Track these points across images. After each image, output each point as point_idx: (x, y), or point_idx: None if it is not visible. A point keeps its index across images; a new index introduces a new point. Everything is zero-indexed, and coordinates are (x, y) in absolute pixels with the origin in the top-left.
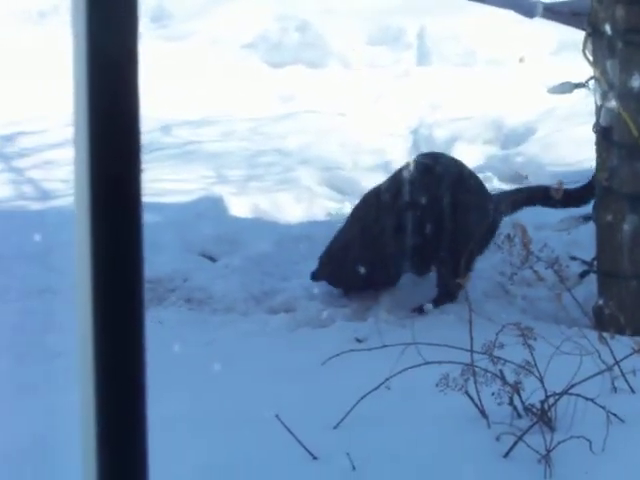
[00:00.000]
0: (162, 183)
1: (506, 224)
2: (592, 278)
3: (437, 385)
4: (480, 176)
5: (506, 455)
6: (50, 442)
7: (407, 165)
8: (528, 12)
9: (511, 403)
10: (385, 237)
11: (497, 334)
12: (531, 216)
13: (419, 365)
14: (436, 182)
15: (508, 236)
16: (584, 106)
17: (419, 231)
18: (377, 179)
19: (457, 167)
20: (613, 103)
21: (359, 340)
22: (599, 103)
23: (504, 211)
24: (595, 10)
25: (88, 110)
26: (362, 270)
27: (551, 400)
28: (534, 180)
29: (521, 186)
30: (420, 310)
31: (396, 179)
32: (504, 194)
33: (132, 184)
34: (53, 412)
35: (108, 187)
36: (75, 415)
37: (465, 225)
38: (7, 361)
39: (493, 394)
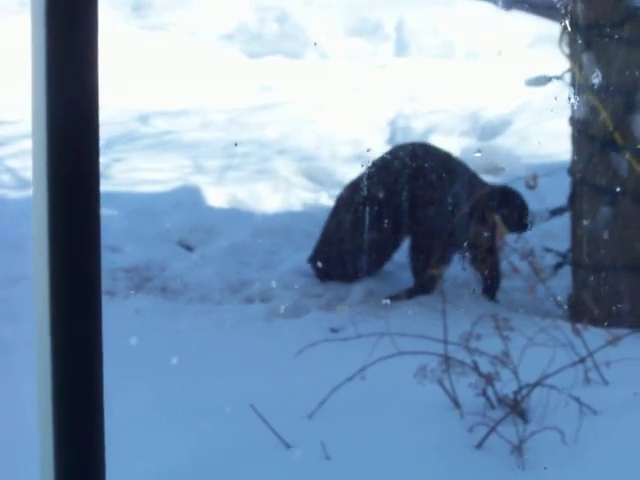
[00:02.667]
0: (139, 173)
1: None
2: (567, 270)
3: (414, 376)
4: None
5: (479, 445)
6: (7, 434)
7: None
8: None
9: (484, 394)
10: (346, 232)
11: (473, 325)
12: None
13: (393, 355)
14: (397, 176)
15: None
16: (560, 99)
17: (378, 226)
18: (354, 170)
19: (435, 159)
20: (589, 96)
21: (334, 330)
22: (575, 96)
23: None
24: (572, 3)
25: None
26: (340, 261)
27: (524, 391)
28: (510, 172)
29: (497, 179)
30: (395, 299)
31: (362, 175)
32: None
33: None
34: (10, 403)
35: (65, 184)
36: (31, 408)
37: (435, 220)
38: None
39: (467, 385)
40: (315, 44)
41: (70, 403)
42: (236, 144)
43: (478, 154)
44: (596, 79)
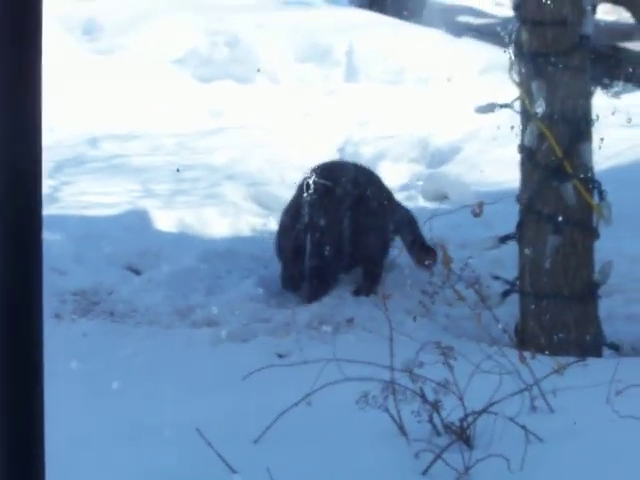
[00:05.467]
0: (88, 196)
1: (428, 242)
2: (514, 297)
3: (357, 402)
4: (404, 194)
5: (425, 472)
6: None
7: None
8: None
9: (430, 421)
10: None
11: (417, 352)
12: (454, 234)
13: (339, 381)
14: (335, 203)
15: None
16: (509, 127)
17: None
18: None
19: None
20: (537, 124)
21: (281, 355)
22: (524, 124)
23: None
24: (520, 32)
25: None
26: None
27: (470, 418)
28: (458, 200)
29: (444, 206)
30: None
31: (296, 200)
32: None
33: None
34: None
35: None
36: None
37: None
38: None
39: (413, 412)
40: (259, 70)
41: (10, 423)
42: (178, 170)
43: (420, 182)
44: (543, 107)
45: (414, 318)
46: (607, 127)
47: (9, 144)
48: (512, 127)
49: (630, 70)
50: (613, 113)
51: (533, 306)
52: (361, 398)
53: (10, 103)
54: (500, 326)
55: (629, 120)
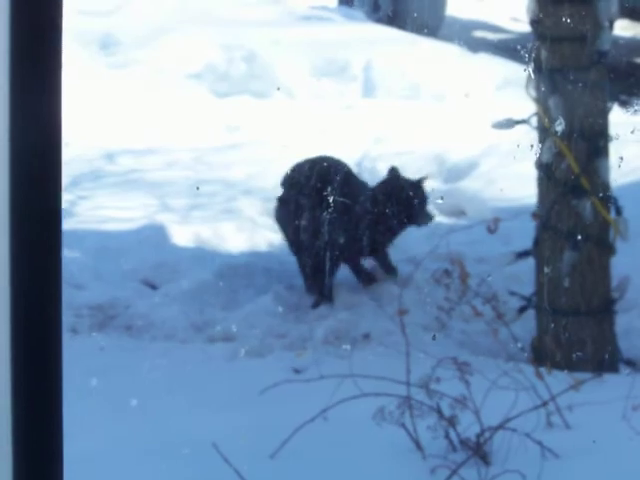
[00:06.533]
0: (105, 210)
1: (445, 258)
2: (531, 313)
3: (373, 418)
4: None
5: None
6: None
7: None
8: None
9: (447, 436)
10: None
11: (433, 368)
12: (472, 250)
13: (356, 397)
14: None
15: (446, 271)
16: (527, 142)
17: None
18: None
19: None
20: (554, 140)
21: (297, 371)
22: (541, 140)
23: None
24: (538, 48)
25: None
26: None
27: (486, 434)
28: (475, 215)
29: (461, 222)
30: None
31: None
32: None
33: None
34: None
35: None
36: None
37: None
38: None
39: (429, 427)
40: (278, 89)
41: (29, 437)
42: (198, 188)
43: (440, 200)
44: (563, 125)
45: (433, 337)
46: (625, 144)
47: (29, 157)
48: (532, 146)
49: None
50: (632, 132)
51: (550, 322)
52: (377, 413)
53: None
54: (517, 342)
55: None
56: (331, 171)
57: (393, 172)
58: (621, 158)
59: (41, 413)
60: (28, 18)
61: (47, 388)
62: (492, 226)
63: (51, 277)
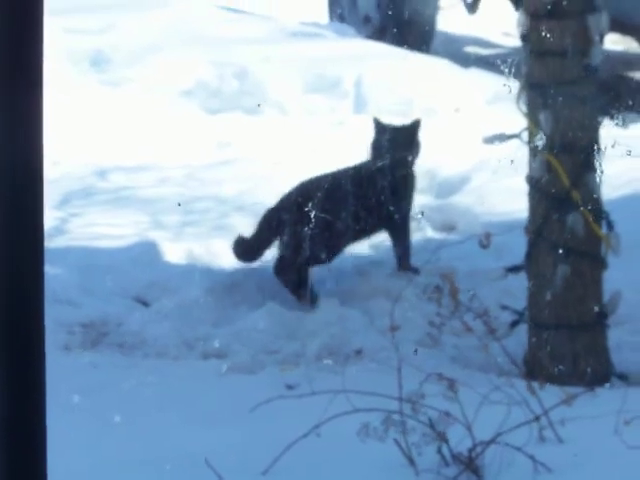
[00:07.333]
0: (96, 228)
1: (436, 273)
2: (523, 328)
3: (364, 433)
4: (413, 224)
5: None
6: None
7: None
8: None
9: (439, 451)
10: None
11: (422, 383)
12: (463, 265)
13: (348, 413)
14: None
15: (437, 287)
16: (518, 157)
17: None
18: None
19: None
20: (545, 154)
21: (290, 387)
22: (532, 154)
23: None
24: (527, 62)
25: None
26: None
27: (479, 448)
28: (467, 230)
29: (452, 236)
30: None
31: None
32: None
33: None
34: None
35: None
36: None
37: None
38: None
39: (421, 442)
40: (259, 105)
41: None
42: (179, 204)
43: (420, 215)
44: (544, 139)
45: (415, 351)
46: (615, 157)
47: (10, 176)
48: (512, 161)
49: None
50: (613, 145)
51: (542, 336)
52: (367, 429)
53: (11, 135)
54: (508, 356)
55: (629, 152)
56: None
57: (376, 122)
58: (601, 172)
59: (24, 430)
60: (7, 35)
61: (30, 405)
62: (484, 241)
63: (33, 294)
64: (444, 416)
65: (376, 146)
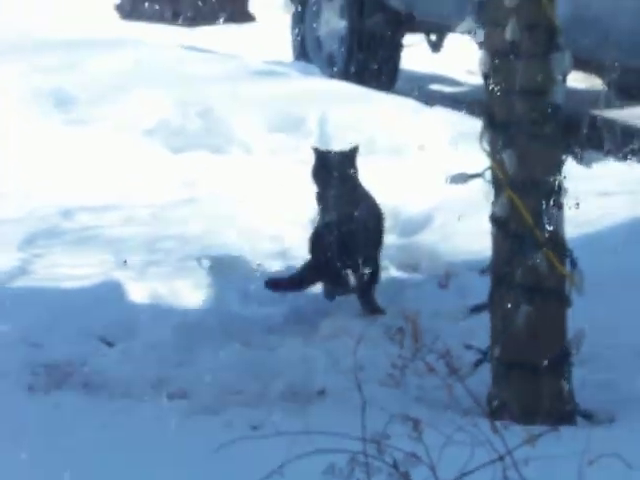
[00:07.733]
0: (61, 268)
1: (398, 314)
2: (487, 367)
3: (326, 474)
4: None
5: None
6: None
7: None
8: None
9: None
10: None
11: (387, 424)
12: (426, 305)
13: (311, 453)
14: None
15: (400, 328)
16: (482, 196)
17: None
18: (275, 266)
19: None
20: (508, 193)
21: (254, 427)
22: (495, 194)
23: None
24: (490, 101)
25: None
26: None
27: None
28: (431, 269)
29: (415, 275)
30: None
31: None
32: None
33: None
34: None
35: None
36: None
37: None
38: None
39: None
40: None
41: None
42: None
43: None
44: (515, 176)
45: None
46: (578, 195)
47: None
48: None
49: (603, 139)
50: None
51: (505, 376)
52: (333, 469)
53: None
54: (472, 396)
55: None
56: None
57: (316, 150)
58: (577, 204)
59: None
60: None
61: None
62: (442, 281)
63: None
64: (409, 457)
65: (316, 173)
